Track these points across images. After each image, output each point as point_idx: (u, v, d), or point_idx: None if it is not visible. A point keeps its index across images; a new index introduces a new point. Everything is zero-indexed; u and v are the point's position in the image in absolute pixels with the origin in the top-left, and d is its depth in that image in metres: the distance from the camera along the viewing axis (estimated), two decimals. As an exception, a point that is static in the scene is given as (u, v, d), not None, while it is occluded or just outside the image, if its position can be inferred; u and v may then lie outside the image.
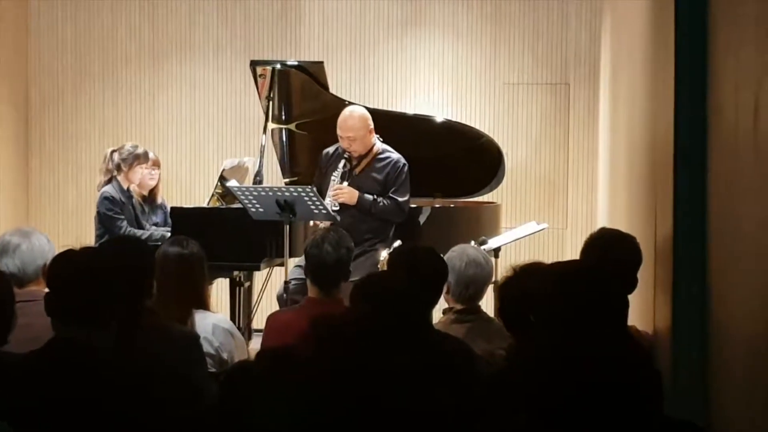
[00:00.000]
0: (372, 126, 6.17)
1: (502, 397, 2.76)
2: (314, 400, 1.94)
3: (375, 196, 6.09)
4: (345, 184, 6.09)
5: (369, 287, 3.16)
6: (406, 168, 6.16)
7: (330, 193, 6.09)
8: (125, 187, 6.45)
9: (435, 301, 3.79)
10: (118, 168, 6.44)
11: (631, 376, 2.00)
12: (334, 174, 6.13)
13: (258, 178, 6.45)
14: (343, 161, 6.13)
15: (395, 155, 6.20)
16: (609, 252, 3.72)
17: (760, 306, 2.56)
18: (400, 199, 6.14)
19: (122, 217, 6.34)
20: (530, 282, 3.13)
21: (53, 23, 8.66)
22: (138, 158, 6.46)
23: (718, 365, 3.14)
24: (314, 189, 5.88)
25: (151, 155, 6.69)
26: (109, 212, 6.33)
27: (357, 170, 6.16)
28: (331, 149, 6.25)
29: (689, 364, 3.32)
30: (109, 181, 6.49)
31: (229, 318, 5.81)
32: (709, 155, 3.27)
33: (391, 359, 2.52)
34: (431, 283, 3.63)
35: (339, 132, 6.12)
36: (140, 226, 6.48)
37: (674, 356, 3.41)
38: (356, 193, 6.05)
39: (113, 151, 6.53)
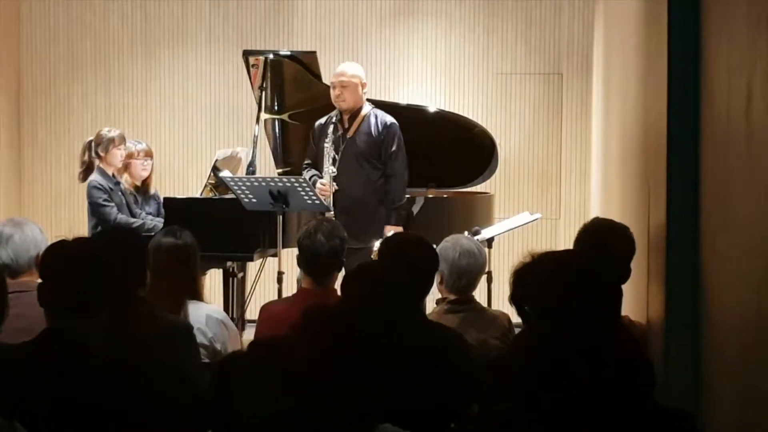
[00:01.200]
0: (365, 83, 6.20)
1: (497, 385, 2.76)
2: (307, 390, 1.94)
3: (393, 210, 6.11)
4: (341, 149, 6.10)
5: (360, 277, 3.17)
6: (398, 129, 6.18)
7: (325, 171, 6.08)
8: (110, 173, 6.43)
9: (426, 291, 3.80)
10: (98, 155, 6.42)
11: (624, 367, 2.00)
12: (326, 141, 6.14)
13: (251, 169, 6.44)
14: (332, 126, 6.14)
15: (385, 116, 6.22)
16: (602, 242, 3.72)
17: (753, 295, 2.56)
18: (398, 169, 6.15)
19: (112, 204, 6.32)
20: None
21: (45, 12, 8.64)
22: (113, 141, 6.42)
23: (710, 354, 3.14)
24: (307, 180, 5.88)
25: (143, 145, 6.68)
26: (98, 200, 6.32)
27: (350, 133, 6.17)
28: (322, 120, 6.27)
29: (681, 354, 3.33)
30: (86, 171, 6.46)
31: (223, 309, 5.82)
32: (702, 144, 3.27)
33: (384, 349, 2.52)
34: (422, 272, 3.62)
35: (332, 79, 6.16)
36: (132, 213, 6.46)
37: (667, 346, 3.41)
38: (399, 228, 6.07)
39: (90, 141, 6.51)
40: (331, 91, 6.19)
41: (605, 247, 3.67)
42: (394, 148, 6.15)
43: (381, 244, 3.91)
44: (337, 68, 6.26)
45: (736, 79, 2.74)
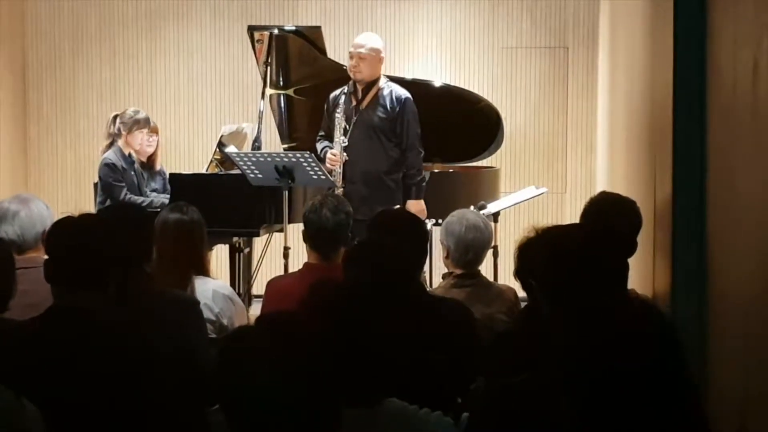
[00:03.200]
0: (383, 57, 6.18)
1: (503, 359, 2.76)
2: (314, 364, 1.94)
3: (414, 185, 6.12)
4: (353, 120, 6.10)
5: (363, 253, 3.18)
6: (413, 105, 6.14)
7: (330, 153, 6.08)
8: (126, 153, 6.43)
9: (422, 263, 3.81)
10: (119, 132, 6.43)
11: (630, 339, 2.00)
12: (338, 112, 6.13)
13: (256, 144, 6.44)
14: (344, 97, 6.13)
15: (400, 90, 6.18)
16: (609, 216, 3.71)
17: (759, 267, 2.56)
18: (414, 145, 6.15)
19: (122, 184, 6.33)
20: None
21: (50, -12, 8.62)
22: (138, 123, 6.44)
23: (716, 327, 3.15)
24: (313, 155, 5.88)
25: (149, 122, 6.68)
26: (109, 179, 6.33)
27: (363, 105, 6.16)
28: (336, 92, 6.25)
29: (688, 327, 3.33)
30: (110, 146, 6.48)
31: (229, 284, 5.83)
32: (708, 116, 3.26)
33: (390, 323, 2.53)
34: (414, 244, 3.62)
35: (351, 48, 6.13)
36: (141, 193, 6.47)
37: (673, 318, 3.41)
38: (420, 203, 6.09)
39: (115, 116, 6.52)
40: (348, 60, 6.17)
41: (612, 221, 3.67)
42: (409, 123, 6.13)
43: (371, 219, 3.90)
44: (356, 38, 6.23)
45: (743, 51, 2.73)
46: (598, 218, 3.73)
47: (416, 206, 6.05)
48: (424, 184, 6.22)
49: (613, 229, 3.56)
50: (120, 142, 6.42)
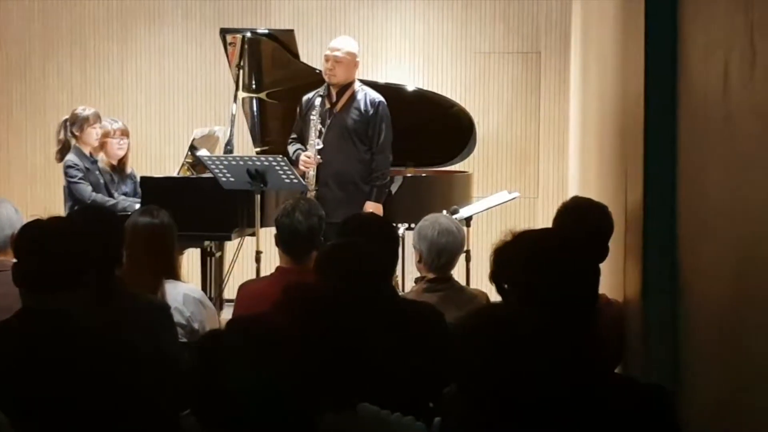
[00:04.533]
0: (358, 61, 6.19)
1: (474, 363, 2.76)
2: (287, 368, 1.93)
3: (374, 189, 6.12)
4: (327, 123, 6.11)
5: (337, 256, 3.18)
6: (386, 109, 6.17)
7: (311, 143, 6.08)
8: (86, 153, 6.39)
9: (394, 266, 3.82)
10: (73, 134, 6.40)
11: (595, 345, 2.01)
12: (312, 114, 6.13)
13: (228, 147, 6.42)
14: (319, 99, 6.13)
15: (374, 94, 6.20)
16: (581, 221, 3.73)
17: (730, 272, 2.57)
18: (383, 150, 6.16)
19: (86, 182, 6.30)
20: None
21: (20, -10, 8.56)
22: (87, 119, 6.40)
23: (688, 332, 3.16)
24: (285, 158, 5.87)
25: (119, 124, 6.65)
26: (73, 179, 6.30)
27: (337, 108, 6.16)
28: (310, 94, 6.25)
29: (659, 331, 3.34)
30: (62, 151, 6.43)
31: (201, 288, 5.80)
32: (679, 121, 3.27)
33: (363, 327, 2.52)
34: (386, 247, 3.62)
35: (326, 51, 6.14)
36: (110, 195, 6.43)
37: (644, 323, 3.43)
38: (378, 205, 6.09)
39: (65, 120, 6.48)
40: (323, 63, 6.17)
41: (584, 226, 3.68)
42: (382, 127, 6.14)
43: (341, 223, 3.90)
44: (332, 41, 6.23)
45: (714, 56, 2.74)
46: (571, 223, 3.74)
47: (374, 208, 6.05)
48: (386, 189, 6.22)
49: (585, 234, 3.57)
50: (78, 144, 6.38)
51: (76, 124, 6.39)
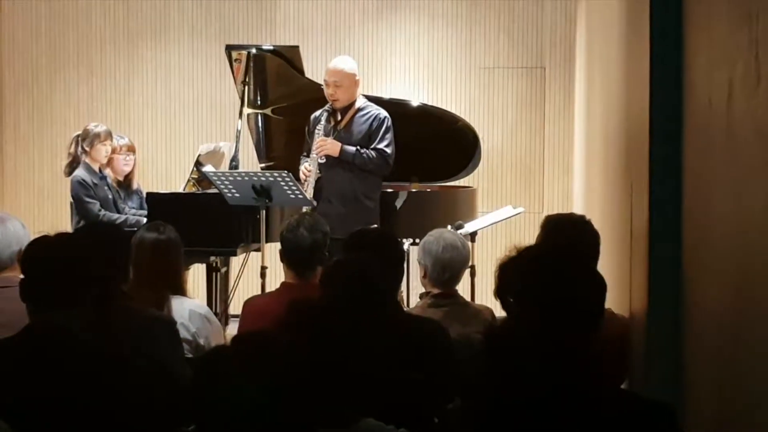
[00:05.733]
0: (358, 79, 6.20)
1: (479, 379, 2.76)
2: (290, 384, 1.94)
3: (358, 147, 6.10)
4: (332, 138, 6.13)
5: (340, 272, 3.18)
6: (389, 121, 6.17)
7: (313, 147, 6.11)
8: (96, 169, 6.42)
9: (399, 282, 3.82)
10: (84, 150, 6.42)
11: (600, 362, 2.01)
12: (318, 129, 6.15)
13: (234, 163, 6.43)
14: (326, 114, 6.15)
15: (378, 110, 6.21)
16: (568, 237, 3.74)
17: (733, 288, 2.58)
18: (381, 147, 6.15)
19: (94, 200, 6.32)
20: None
21: (27, 6, 8.60)
22: (98, 136, 6.43)
23: (692, 348, 3.16)
24: (290, 174, 5.88)
25: (126, 140, 6.68)
26: (81, 195, 6.32)
27: (341, 125, 6.18)
28: (317, 112, 6.27)
29: (664, 347, 3.34)
30: (71, 165, 6.46)
31: (206, 303, 5.81)
32: (684, 137, 3.28)
33: (366, 343, 2.52)
34: (391, 263, 3.62)
35: (325, 77, 6.15)
36: (118, 211, 6.46)
37: (649, 338, 3.43)
38: (338, 144, 6.08)
39: (77, 136, 6.52)
40: (324, 88, 6.18)
41: (572, 242, 3.70)
42: (385, 137, 6.13)
43: (347, 239, 3.89)
44: (330, 63, 6.24)
45: (718, 73, 2.75)
46: (557, 237, 3.75)
47: (331, 143, 6.08)
48: (358, 161, 6.10)
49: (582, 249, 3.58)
50: (87, 160, 6.41)
51: (87, 139, 6.42)
